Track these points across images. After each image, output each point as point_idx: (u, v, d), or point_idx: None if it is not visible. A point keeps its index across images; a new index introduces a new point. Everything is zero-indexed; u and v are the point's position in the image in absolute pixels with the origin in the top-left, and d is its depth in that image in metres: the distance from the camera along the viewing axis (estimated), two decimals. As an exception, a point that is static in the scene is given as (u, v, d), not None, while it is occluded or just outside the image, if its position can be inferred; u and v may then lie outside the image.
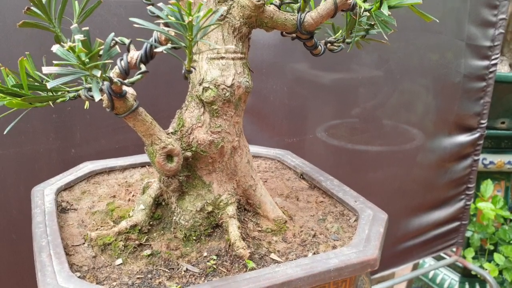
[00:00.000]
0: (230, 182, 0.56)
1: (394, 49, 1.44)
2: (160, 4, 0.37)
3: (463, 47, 1.63)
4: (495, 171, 1.95)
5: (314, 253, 0.54)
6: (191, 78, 0.53)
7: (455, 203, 1.72)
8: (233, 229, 0.53)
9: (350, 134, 1.52)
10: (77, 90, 0.46)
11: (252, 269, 0.50)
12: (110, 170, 0.74)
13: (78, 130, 0.93)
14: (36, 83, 0.44)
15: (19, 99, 0.42)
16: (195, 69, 0.49)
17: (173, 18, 0.37)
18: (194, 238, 0.55)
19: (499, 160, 1.94)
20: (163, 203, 0.58)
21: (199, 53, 0.51)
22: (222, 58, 0.51)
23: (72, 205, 0.64)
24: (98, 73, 0.34)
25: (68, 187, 0.68)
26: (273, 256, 0.53)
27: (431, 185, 1.70)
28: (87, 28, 0.35)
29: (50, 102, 0.43)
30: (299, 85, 1.32)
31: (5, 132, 0.48)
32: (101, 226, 0.58)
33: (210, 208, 0.55)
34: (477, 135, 1.73)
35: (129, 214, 0.58)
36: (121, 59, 0.41)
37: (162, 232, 0.56)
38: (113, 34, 0.37)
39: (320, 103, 1.40)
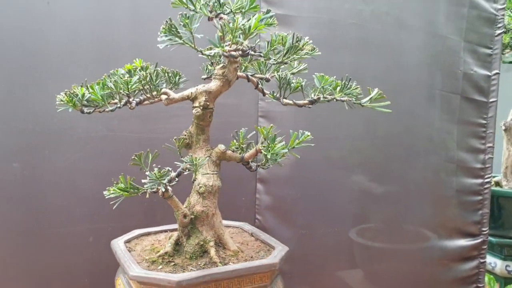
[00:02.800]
0: (211, 231, 1.19)
1: (398, 170, 2.06)
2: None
3: (454, 168, 2.11)
4: (520, 278, 2.36)
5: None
6: (194, 183, 1.19)
7: (466, 300, 2.10)
8: (213, 252, 1.15)
9: (373, 235, 2.07)
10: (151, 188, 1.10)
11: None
12: (148, 233, 1.37)
13: (159, 212, 1.58)
14: (131, 188, 1.08)
15: (127, 193, 1.06)
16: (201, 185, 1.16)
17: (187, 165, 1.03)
18: (194, 257, 1.16)
19: (522, 268, 2.34)
20: (179, 243, 1.21)
21: (199, 173, 1.17)
22: (208, 173, 1.18)
23: (132, 248, 1.25)
24: (167, 186, 1.00)
25: (128, 241, 1.30)
26: (231, 263, 1.14)
27: (436, 281, 2.14)
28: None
29: (147, 193, 1.07)
30: (308, 190, 1.94)
31: (113, 208, 1.11)
32: (150, 255, 1.19)
33: (202, 243, 1.17)
34: (479, 240, 2.15)
35: (163, 249, 1.20)
36: (170, 176, 1.06)
37: (179, 256, 1.18)
38: (175, 174, 1.03)
39: (325, 205, 1.99)
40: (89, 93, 1.07)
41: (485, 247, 2.17)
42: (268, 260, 1.14)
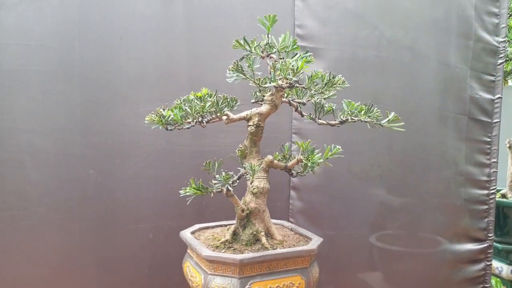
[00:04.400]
0: (262, 223, 1.51)
1: (413, 182, 2.36)
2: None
3: (463, 181, 2.41)
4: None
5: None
6: (248, 185, 1.51)
7: (475, 298, 2.39)
8: (264, 240, 1.46)
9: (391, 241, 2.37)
10: (215, 189, 1.42)
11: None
12: (206, 227, 1.69)
13: (206, 214, 1.90)
14: (202, 188, 1.40)
15: (200, 192, 1.38)
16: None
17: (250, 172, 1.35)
18: (249, 244, 1.47)
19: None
20: (236, 233, 1.52)
21: (254, 177, 1.49)
22: (259, 178, 1.49)
23: (196, 238, 1.57)
24: (230, 186, 1.32)
25: (192, 232, 1.62)
26: (278, 248, 1.45)
27: (447, 281, 2.42)
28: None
29: (212, 193, 1.39)
30: (334, 198, 2.24)
31: (187, 203, 1.43)
32: (213, 242, 1.51)
33: (255, 233, 1.48)
34: (486, 245, 2.43)
35: (223, 238, 1.52)
36: (232, 181, 1.38)
37: (236, 243, 1.49)
38: (236, 177, 1.35)
39: (349, 211, 2.29)
40: (173, 115, 1.40)
41: (490, 251, 2.43)
42: (308, 247, 1.45)
